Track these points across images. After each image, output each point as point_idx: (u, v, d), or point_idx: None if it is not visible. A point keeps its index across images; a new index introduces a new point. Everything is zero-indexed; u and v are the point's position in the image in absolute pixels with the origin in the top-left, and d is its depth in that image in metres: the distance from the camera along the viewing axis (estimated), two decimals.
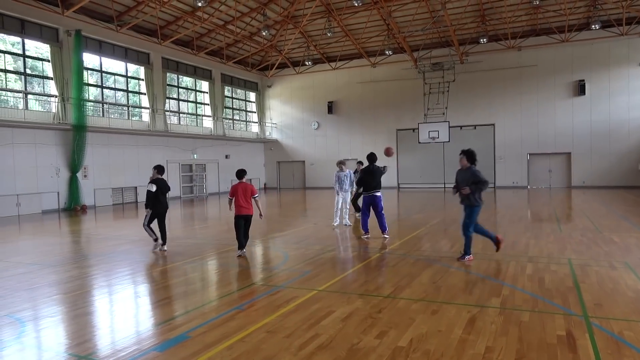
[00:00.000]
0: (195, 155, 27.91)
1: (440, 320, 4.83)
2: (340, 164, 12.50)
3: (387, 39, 28.40)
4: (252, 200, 8.62)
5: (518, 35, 26.82)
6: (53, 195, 19.93)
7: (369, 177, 10.15)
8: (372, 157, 10.40)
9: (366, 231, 10.23)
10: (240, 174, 8.83)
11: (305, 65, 31.35)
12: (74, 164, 20.47)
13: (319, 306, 5.39)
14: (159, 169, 9.41)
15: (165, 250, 9.26)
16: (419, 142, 28.01)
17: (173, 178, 26.37)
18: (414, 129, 28.98)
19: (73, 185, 20.48)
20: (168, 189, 9.52)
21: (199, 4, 21.21)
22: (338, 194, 12.41)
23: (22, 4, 18.65)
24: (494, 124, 28.08)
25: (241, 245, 8.60)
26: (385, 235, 10.11)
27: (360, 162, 15.75)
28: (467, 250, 7.74)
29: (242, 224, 8.57)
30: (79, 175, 20.73)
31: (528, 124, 27.43)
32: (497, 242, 7.97)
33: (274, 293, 6.04)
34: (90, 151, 21.03)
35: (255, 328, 4.72)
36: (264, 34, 26.51)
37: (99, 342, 4.58)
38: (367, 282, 6.50)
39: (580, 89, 26.08)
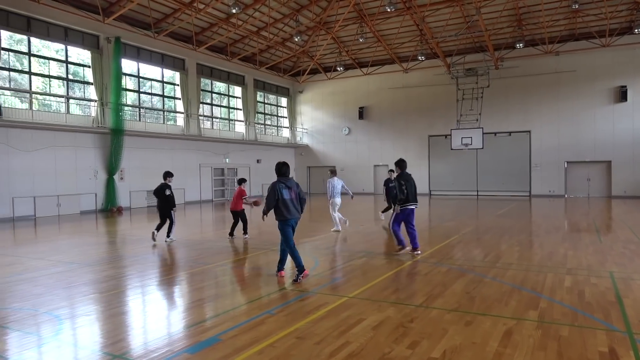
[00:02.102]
0: (227, 160, 28.33)
1: (475, 332, 4.69)
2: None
3: (419, 44, 28.16)
4: (242, 200, 11.47)
5: (556, 40, 26.12)
6: (91, 197, 20.58)
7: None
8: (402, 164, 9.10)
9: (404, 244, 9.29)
10: (240, 181, 11.80)
11: (337, 70, 31.38)
12: (111, 167, 21.11)
13: (350, 313, 5.34)
14: (164, 175, 11.09)
15: (172, 241, 11.08)
16: (451, 149, 27.53)
17: (205, 181, 26.88)
18: (446, 136, 28.56)
19: (110, 187, 21.11)
20: (160, 190, 10.98)
21: (234, 11, 21.57)
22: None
23: (65, 12, 19.43)
24: (529, 131, 27.34)
25: (231, 234, 11.62)
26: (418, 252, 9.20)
27: (392, 170, 15.70)
28: (298, 268, 6.96)
29: (233, 216, 11.66)
30: (116, 177, 21.36)
31: (566, 131, 26.60)
32: (280, 274, 7.26)
33: (304, 299, 6.02)
34: (126, 154, 21.65)
35: (285, 333, 4.71)
36: (296, 39, 26.73)
37: (132, 342, 4.67)
38: (398, 290, 6.40)
39: (621, 95, 25.14)
